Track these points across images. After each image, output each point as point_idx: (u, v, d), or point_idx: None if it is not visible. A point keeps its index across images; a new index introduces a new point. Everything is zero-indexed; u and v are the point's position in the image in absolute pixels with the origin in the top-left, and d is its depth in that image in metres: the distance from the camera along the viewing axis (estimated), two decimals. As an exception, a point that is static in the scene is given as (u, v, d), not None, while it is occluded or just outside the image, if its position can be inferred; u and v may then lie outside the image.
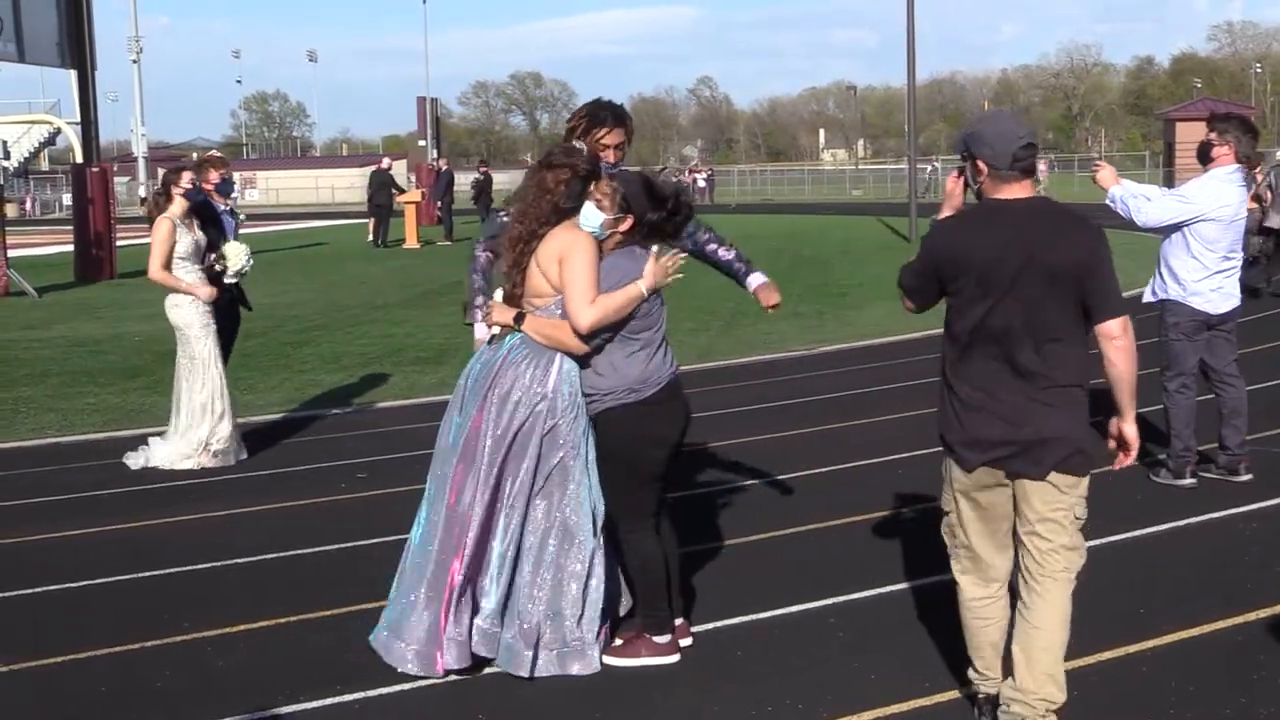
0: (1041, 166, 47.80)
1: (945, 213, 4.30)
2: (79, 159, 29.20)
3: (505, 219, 5.07)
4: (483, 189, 34.62)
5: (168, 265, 8.45)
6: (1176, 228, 7.04)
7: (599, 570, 4.81)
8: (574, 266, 4.65)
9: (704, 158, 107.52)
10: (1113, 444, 4.16)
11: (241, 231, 9.44)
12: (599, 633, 4.85)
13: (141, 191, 57.86)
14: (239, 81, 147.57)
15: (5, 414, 10.98)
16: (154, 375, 12.37)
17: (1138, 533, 6.32)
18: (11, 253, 23.07)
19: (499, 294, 4.91)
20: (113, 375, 12.84)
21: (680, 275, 4.82)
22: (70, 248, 25.94)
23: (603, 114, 5.19)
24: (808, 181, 75.98)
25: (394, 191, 33.08)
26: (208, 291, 8.56)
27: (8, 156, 27.93)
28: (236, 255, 8.76)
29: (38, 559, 6.65)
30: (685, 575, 5.44)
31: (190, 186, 8.59)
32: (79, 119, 27.25)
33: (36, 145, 67.41)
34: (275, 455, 9.11)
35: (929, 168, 65.80)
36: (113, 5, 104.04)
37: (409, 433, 9.34)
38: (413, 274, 24.18)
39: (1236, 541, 6.34)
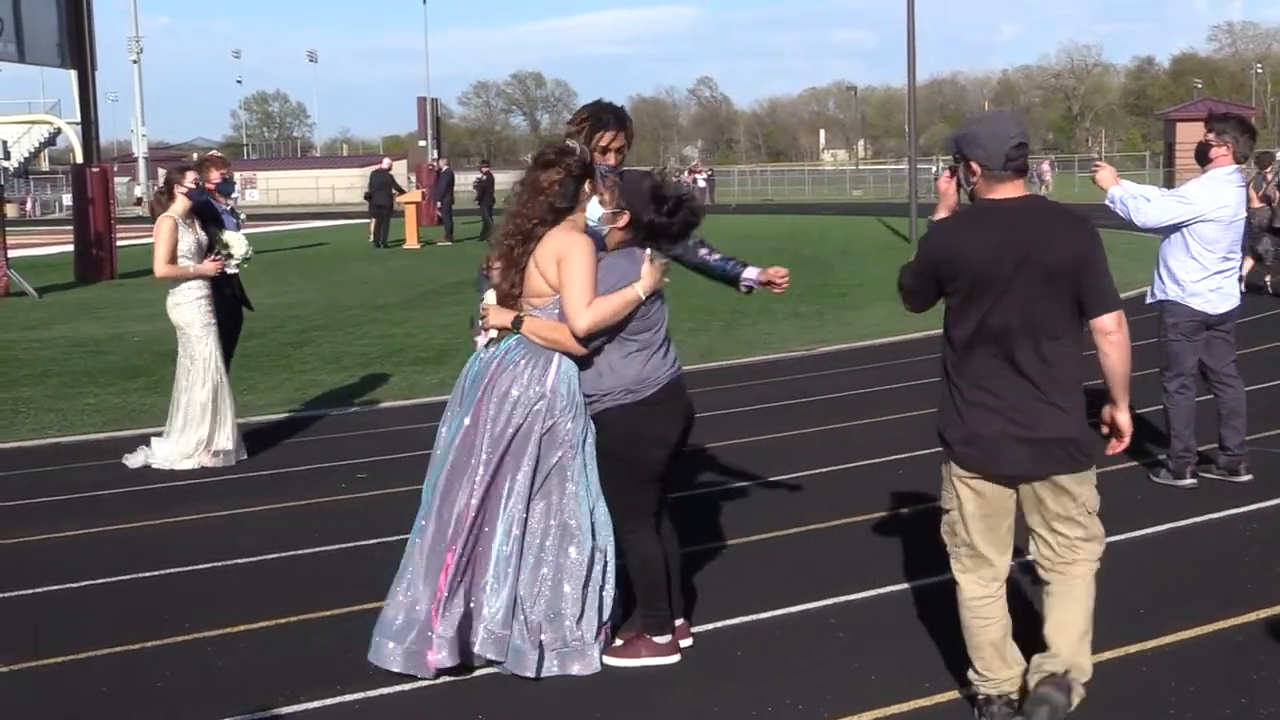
0: (1045, 167, 47.90)
1: (940, 213, 4.34)
2: (79, 159, 29.21)
3: None
4: (485, 189, 34.63)
5: (171, 263, 8.48)
6: (1176, 228, 7.04)
7: (599, 570, 4.81)
8: (572, 268, 4.65)
9: (704, 158, 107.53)
10: (1105, 430, 4.20)
11: (243, 231, 9.44)
12: (599, 633, 4.85)
13: (137, 192, 57.94)
14: (239, 82, 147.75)
15: (5, 414, 10.99)
16: (154, 375, 12.37)
17: (1138, 533, 6.32)
18: (12, 253, 23.08)
19: (490, 296, 4.88)
20: (113, 375, 12.84)
21: (668, 279, 4.80)
22: (70, 248, 25.95)
23: (605, 117, 5.18)
24: (808, 182, 75.99)
25: (394, 192, 33.08)
26: (214, 266, 8.61)
27: (8, 157, 27.97)
28: (238, 243, 8.77)
29: (38, 559, 6.65)
30: (686, 575, 5.44)
31: (194, 186, 8.62)
32: (79, 119, 27.26)
33: (37, 145, 67.43)
34: (275, 455, 9.11)
35: (934, 168, 65.83)
36: (113, 5, 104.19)
37: (410, 433, 9.34)
38: (413, 274, 24.18)
39: (1237, 542, 6.34)
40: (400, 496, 6.89)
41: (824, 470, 8.06)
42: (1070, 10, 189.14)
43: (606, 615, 4.88)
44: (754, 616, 5.41)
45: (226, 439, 8.76)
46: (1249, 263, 16.34)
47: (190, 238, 8.57)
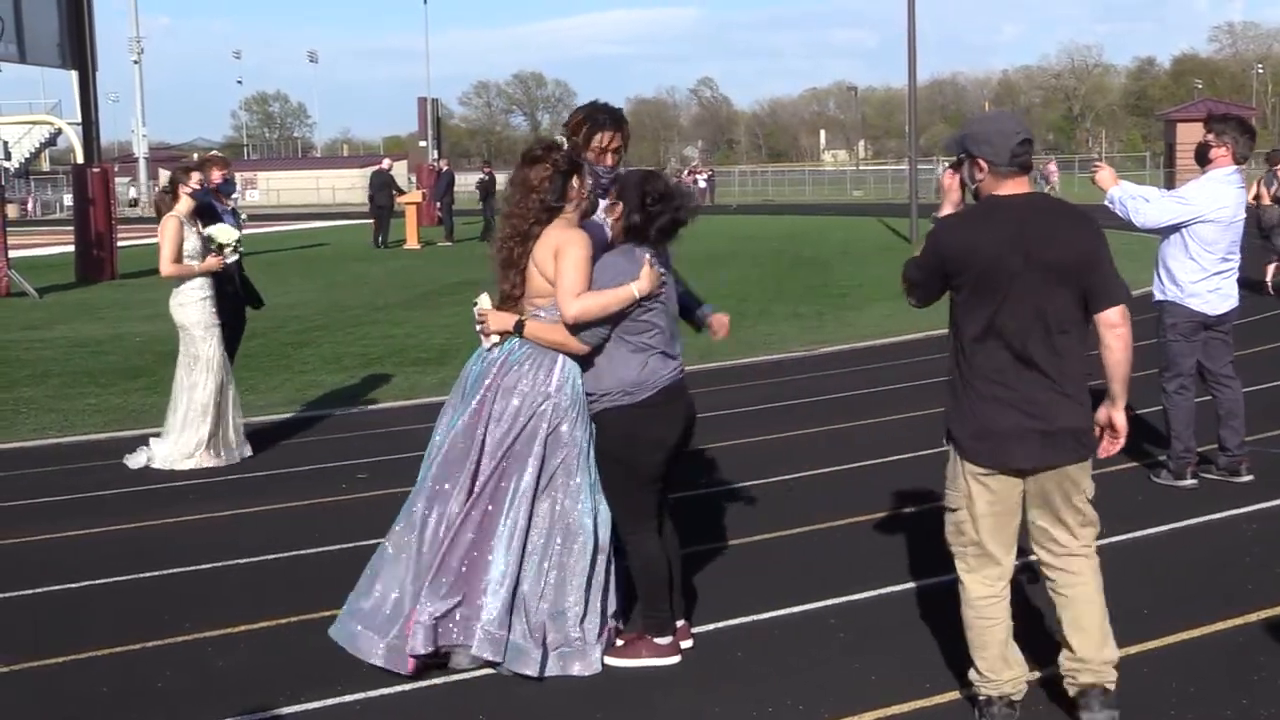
0: (1052, 168, 47.91)
1: (945, 210, 4.36)
2: (80, 159, 29.20)
3: None
4: (488, 190, 34.64)
5: (176, 262, 8.51)
6: (1175, 229, 7.04)
7: (601, 570, 4.81)
8: (566, 259, 4.67)
9: (705, 159, 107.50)
10: (1098, 431, 4.22)
11: (244, 231, 9.46)
12: (601, 633, 4.85)
13: (132, 193, 58.00)
14: (240, 82, 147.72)
15: (6, 415, 10.99)
16: (155, 376, 12.37)
17: (1138, 534, 6.32)
18: (13, 253, 23.09)
19: (484, 300, 4.86)
20: (114, 376, 12.84)
21: (664, 284, 4.77)
22: (71, 248, 25.96)
23: (601, 118, 5.16)
24: (808, 182, 75.98)
25: (394, 192, 33.09)
26: (216, 262, 8.64)
27: (9, 157, 27.99)
28: (222, 233, 8.75)
29: (38, 559, 6.65)
30: (687, 576, 5.44)
31: (198, 187, 8.66)
32: (80, 119, 27.26)
33: (37, 146, 67.41)
34: (276, 455, 9.12)
35: (940, 168, 65.75)
36: (113, 5, 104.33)
37: (410, 433, 9.33)
38: (413, 275, 24.18)
39: (1237, 542, 6.34)
40: (401, 497, 6.84)
41: (826, 470, 8.06)
42: (1070, 10, 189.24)
43: (608, 616, 4.88)
44: (754, 617, 5.41)
45: (230, 438, 8.78)
46: (1272, 267, 16.31)
47: (194, 238, 8.60)
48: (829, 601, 5.57)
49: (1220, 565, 5.97)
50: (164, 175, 8.96)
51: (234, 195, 9.73)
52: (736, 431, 9.05)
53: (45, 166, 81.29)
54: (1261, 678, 4.66)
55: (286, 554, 6.60)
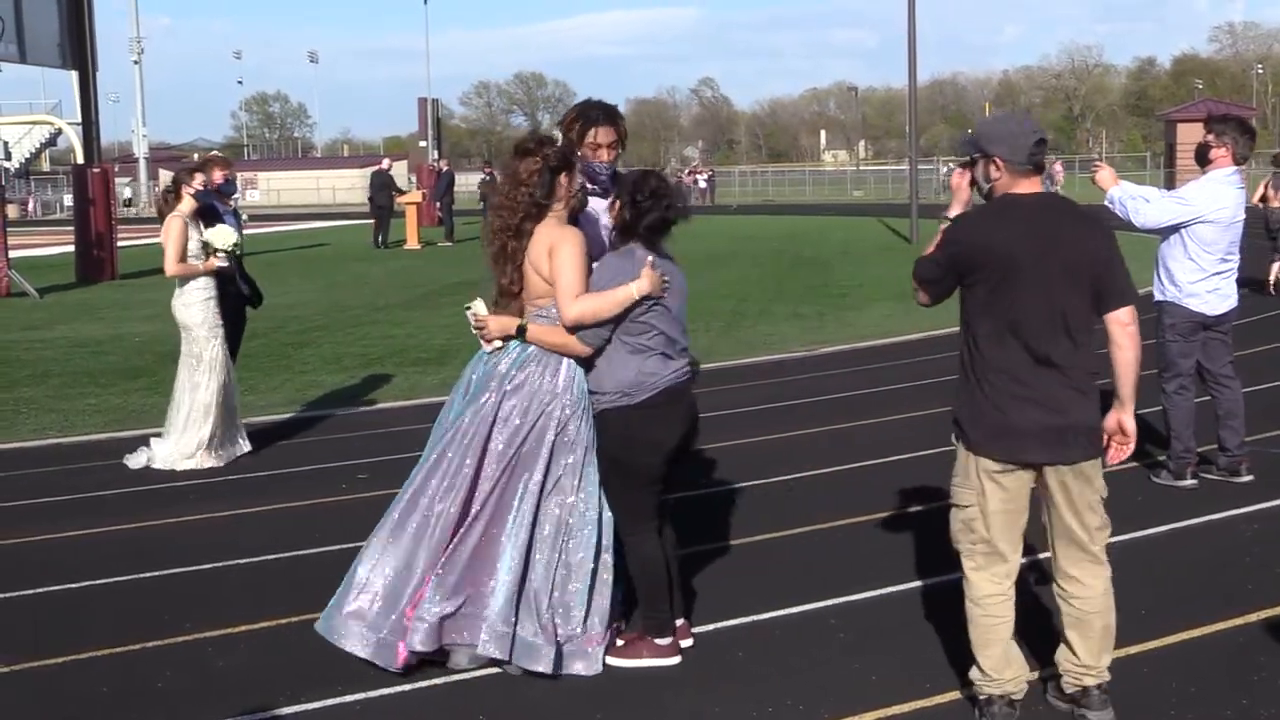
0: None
1: (955, 209, 4.39)
2: (80, 160, 29.20)
3: None
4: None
5: (181, 262, 8.53)
6: (1174, 229, 7.04)
7: (604, 570, 4.82)
8: (561, 259, 4.67)
9: (705, 159, 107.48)
10: (1106, 438, 4.24)
11: (245, 231, 9.46)
12: (603, 632, 4.84)
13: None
14: (240, 82, 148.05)
15: (6, 415, 10.99)
16: (155, 376, 12.37)
17: (1138, 534, 6.32)
18: (13, 253, 23.09)
19: (479, 305, 4.83)
20: (114, 376, 12.85)
21: (668, 285, 4.75)
22: (71, 248, 25.96)
23: (594, 113, 5.15)
24: (809, 182, 76.00)
25: (394, 193, 33.09)
26: (216, 260, 8.66)
27: (9, 157, 28.00)
28: (218, 236, 8.75)
29: (39, 559, 6.65)
30: (688, 575, 5.45)
31: (201, 188, 8.67)
32: (80, 120, 27.25)
33: (38, 146, 67.39)
34: (276, 456, 9.12)
35: (943, 169, 65.88)
36: (113, 6, 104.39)
37: (411, 433, 9.33)
38: (414, 275, 24.18)
39: (1237, 542, 6.34)
40: (399, 495, 6.88)
41: (827, 470, 8.07)
42: (1071, 11, 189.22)
43: (610, 615, 4.88)
44: (755, 617, 5.41)
45: (232, 438, 8.79)
46: (1276, 266, 16.28)
47: (196, 238, 8.62)
48: (829, 602, 5.57)
49: (1220, 565, 5.97)
50: (164, 175, 8.97)
51: (235, 196, 9.73)
52: (737, 431, 9.05)
53: (45, 167, 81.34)
54: (1261, 678, 4.66)
55: (287, 554, 6.60)
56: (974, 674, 4.32)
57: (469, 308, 4.88)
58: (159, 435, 8.87)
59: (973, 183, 4.32)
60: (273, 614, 5.61)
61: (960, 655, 4.54)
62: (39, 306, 20.29)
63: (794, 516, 6.93)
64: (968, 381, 4.21)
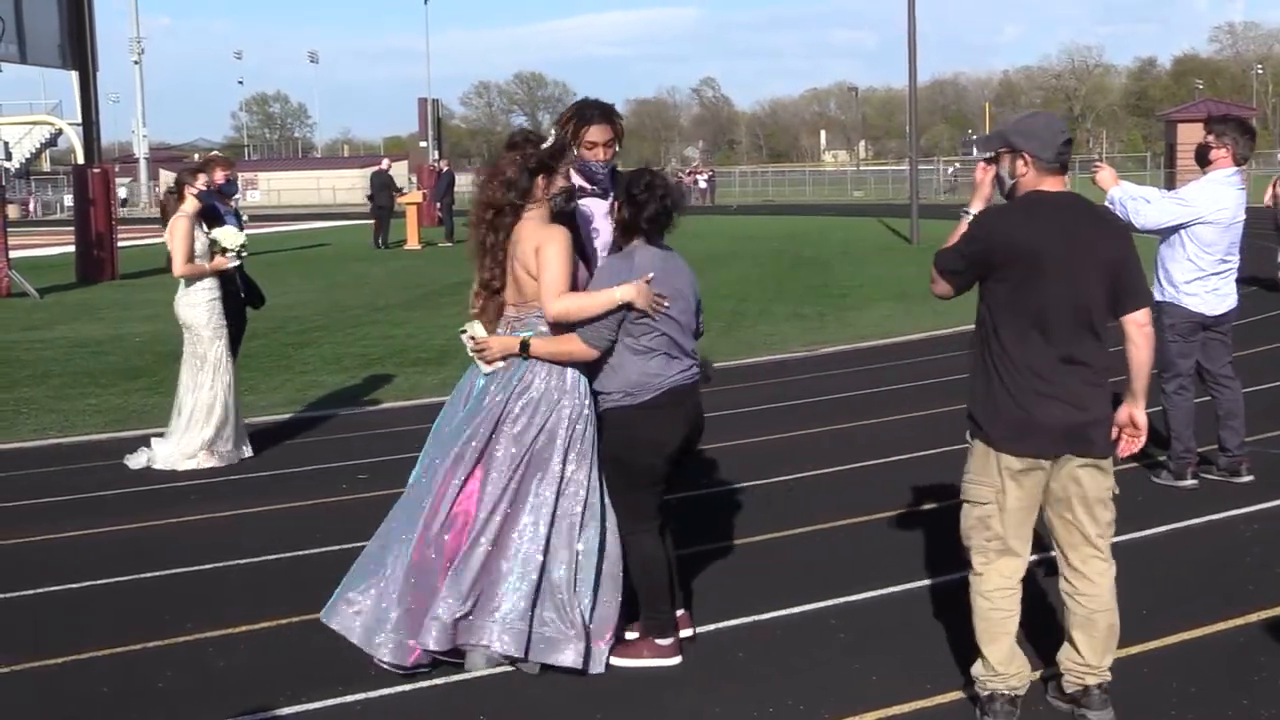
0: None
1: (976, 204, 4.42)
2: (80, 160, 29.21)
3: None
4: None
5: (188, 262, 8.56)
6: (1175, 230, 7.05)
7: (609, 568, 4.81)
8: (546, 255, 4.68)
9: (705, 159, 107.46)
10: (1116, 431, 4.30)
11: (245, 231, 9.46)
12: (608, 630, 4.84)
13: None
14: (240, 82, 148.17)
15: (7, 415, 10.99)
16: (155, 376, 12.38)
17: (1139, 534, 6.31)
18: (13, 253, 23.09)
19: (477, 328, 4.81)
20: (114, 376, 12.85)
21: (664, 309, 4.72)
22: (72, 248, 25.97)
23: (589, 111, 5.15)
24: (809, 182, 76.02)
25: (394, 193, 33.08)
26: (224, 261, 8.70)
27: (9, 157, 28.00)
28: (227, 236, 8.78)
29: (39, 559, 6.66)
30: (689, 574, 5.45)
31: (205, 188, 8.69)
32: (80, 120, 27.26)
33: (38, 146, 67.43)
34: (277, 456, 9.12)
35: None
36: (114, 6, 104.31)
37: (411, 433, 9.33)
38: (414, 275, 24.19)
39: (1237, 543, 6.34)
40: (404, 493, 6.89)
41: (828, 470, 8.07)
42: (1071, 11, 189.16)
43: (613, 614, 4.87)
44: (756, 617, 5.41)
45: (233, 439, 8.80)
46: None
47: (202, 238, 8.64)
48: (830, 602, 5.57)
49: (1220, 565, 5.97)
50: (164, 176, 8.99)
51: (235, 196, 9.75)
52: (739, 431, 9.05)
53: (46, 167, 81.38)
54: (1262, 678, 4.66)
55: (288, 554, 6.61)
56: (977, 669, 4.32)
57: (464, 331, 4.85)
58: (160, 435, 8.88)
59: (999, 179, 4.35)
60: (273, 614, 5.61)
61: (961, 655, 4.54)
62: (39, 306, 20.29)
63: (795, 516, 6.93)
64: (988, 378, 4.22)
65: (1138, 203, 7.00)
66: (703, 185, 58.34)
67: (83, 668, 5.11)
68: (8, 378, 12.97)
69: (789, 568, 6.11)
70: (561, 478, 4.74)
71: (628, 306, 4.66)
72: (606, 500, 4.84)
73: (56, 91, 70.45)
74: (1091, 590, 4.25)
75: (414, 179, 44.46)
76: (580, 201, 5.12)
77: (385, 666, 4.77)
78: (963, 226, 4.37)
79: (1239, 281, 7.37)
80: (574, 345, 4.72)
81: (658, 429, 4.79)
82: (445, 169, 37.97)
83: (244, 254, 8.91)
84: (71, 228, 26.94)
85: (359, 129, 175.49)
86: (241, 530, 7.17)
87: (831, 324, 15.86)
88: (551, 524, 4.72)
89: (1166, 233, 7.10)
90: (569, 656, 4.69)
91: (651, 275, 4.69)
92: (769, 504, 7.25)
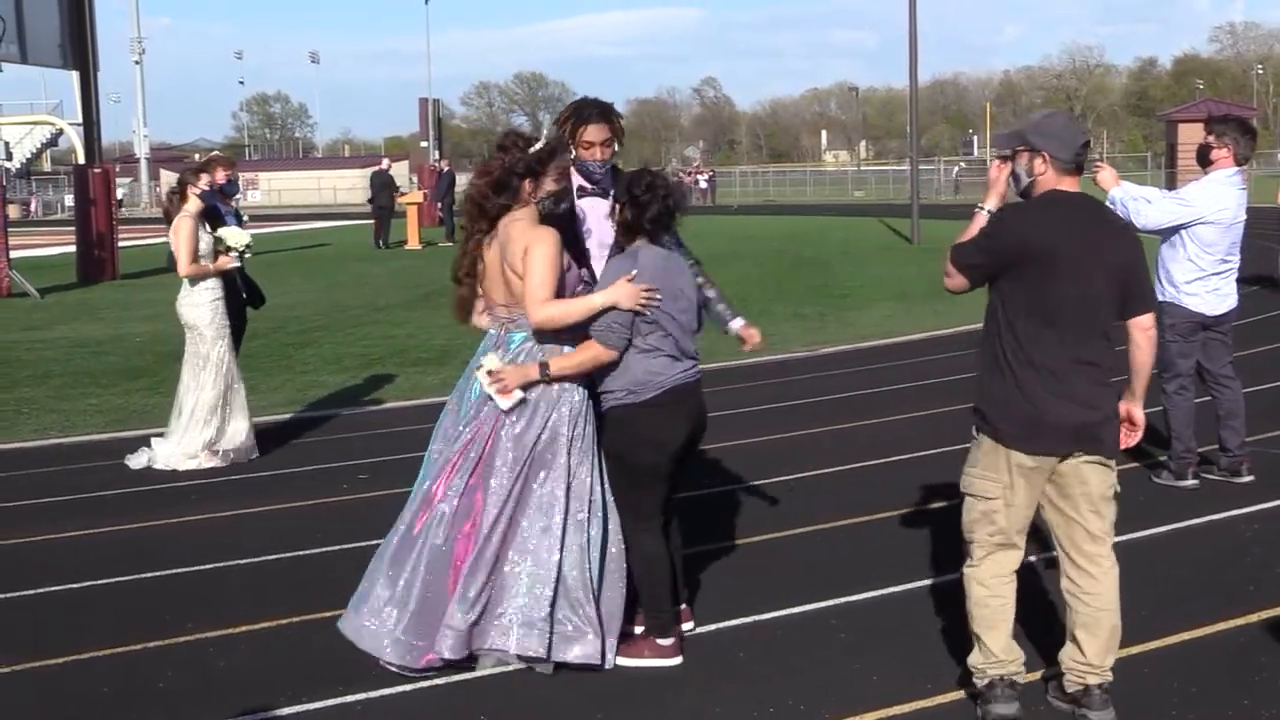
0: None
1: (991, 202, 4.45)
2: (81, 160, 29.20)
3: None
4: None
5: (193, 262, 8.56)
6: (1175, 230, 7.05)
7: (613, 566, 4.81)
8: (532, 258, 4.68)
9: (706, 159, 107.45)
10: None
11: (247, 231, 9.47)
12: (612, 627, 4.83)
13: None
14: (241, 83, 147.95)
15: (7, 415, 11.00)
16: (156, 376, 12.38)
17: (1139, 534, 6.31)
18: (14, 253, 23.10)
19: (493, 360, 4.76)
20: (115, 376, 12.85)
21: (656, 304, 4.73)
22: (72, 248, 25.97)
23: (587, 110, 5.14)
24: (809, 182, 76.01)
25: (394, 193, 33.08)
26: (227, 260, 8.71)
27: (10, 158, 28.00)
28: (233, 236, 8.79)
29: (40, 559, 6.66)
30: (691, 573, 5.45)
31: (208, 188, 8.70)
32: (81, 120, 27.27)
33: (39, 146, 67.50)
34: (277, 456, 9.12)
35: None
36: (114, 6, 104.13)
37: (411, 433, 9.33)
38: (414, 275, 24.18)
39: (1238, 543, 6.34)
40: (403, 497, 6.85)
41: (829, 470, 8.07)
42: (1072, 11, 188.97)
43: (619, 609, 4.87)
44: (757, 617, 5.41)
45: (236, 439, 8.81)
46: None
47: (205, 238, 8.65)
48: (831, 602, 5.57)
49: (1221, 565, 5.97)
50: (165, 176, 9.00)
51: (237, 196, 9.75)
52: (740, 431, 9.05)
53: (47, 167, 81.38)
54: (1263, 678, 4.66)
55: (289, 554, 6.61)
56: (975, 659, 4.33)
57: (481, 366, 4.79)
58: (160, 435, 8.88)
59: (1015, 177, 4.38)
60: (274, 614, 5.61)
61: (962, 655, 4.53)
62: (40, 307, 20.29)
63: (796, 516, 6.93)
64: (1000, 375, 4.23)
65: (1139, 203, 7.00)
66: (703, 185, 58.34)
67: (83, 668, 5.11)
68: (8, 378, 12.97)
69: (790, 568, 6.11)
70: (569, 475, 4.74)
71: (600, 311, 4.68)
72: (609, 496, 4.84)
73: (57, 91, 70.52)
74: (1096, 589, 4.26)
75: (414, 179, 44.47)
76: (581, 201, 5.13)
77: (395, 670, 4.77)
78: (978, 222, 4.40)
79: (1241, 281, 7.37)
80: (592, 352, 4.72)
81: (660, 427, 4.79)
82: (446, 169, 37.98)
83: (249, 254, 8.92)
84: (72, 228, 26.95)
85: (359, 129, 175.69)
86: (242, 530, 7.17)
87: (832, 324, 15.86)
88: (564, 521, 4.72)
89: (1167, 233, 7.10)
90: (588, 651, 4.70)
91: (634, 274, 4.69)
92: (770, 504, 7.24)
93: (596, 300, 4.68)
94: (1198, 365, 7.28)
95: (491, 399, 4.73)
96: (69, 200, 48.25)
